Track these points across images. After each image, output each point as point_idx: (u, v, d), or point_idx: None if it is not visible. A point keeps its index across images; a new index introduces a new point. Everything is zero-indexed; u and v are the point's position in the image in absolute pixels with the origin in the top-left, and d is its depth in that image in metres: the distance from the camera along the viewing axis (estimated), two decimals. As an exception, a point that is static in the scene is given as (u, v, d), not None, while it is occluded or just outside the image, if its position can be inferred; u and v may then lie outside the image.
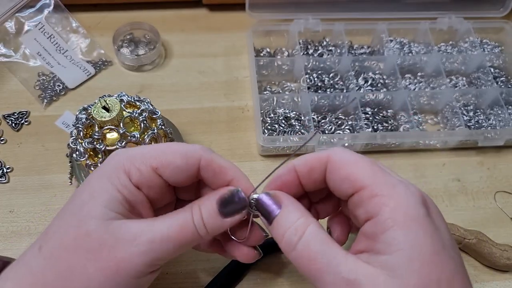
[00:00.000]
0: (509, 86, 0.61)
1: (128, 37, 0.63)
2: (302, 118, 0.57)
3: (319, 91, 0.59)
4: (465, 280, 0.28)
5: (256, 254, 0.36)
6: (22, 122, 0.56)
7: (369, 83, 0.60)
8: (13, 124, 0.55)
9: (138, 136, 0.43)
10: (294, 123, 0.56)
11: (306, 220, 0.30)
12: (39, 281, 0.30)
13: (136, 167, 0.32)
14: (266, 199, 0.32)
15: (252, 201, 0.33)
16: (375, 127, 0.56)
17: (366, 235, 0.29)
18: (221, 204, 0.32)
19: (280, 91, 0.60)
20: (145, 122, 0.44)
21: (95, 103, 0.43)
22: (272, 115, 0.57)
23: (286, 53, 0.63)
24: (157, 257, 0.30)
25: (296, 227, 0.30)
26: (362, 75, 0.61)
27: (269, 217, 0.32)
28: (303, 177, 0.32)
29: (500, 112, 0.58)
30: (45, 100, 0.57)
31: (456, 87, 0.61)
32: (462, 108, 0.59)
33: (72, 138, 0.44)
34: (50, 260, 0.30)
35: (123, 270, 0.29)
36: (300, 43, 0.62)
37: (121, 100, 0.44)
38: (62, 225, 0.31)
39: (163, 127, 0.46)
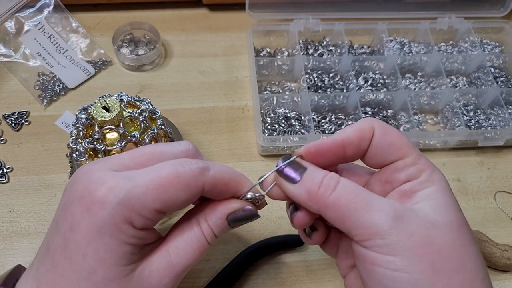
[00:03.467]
0: (509, 86, 0.61)
1: (128, 37, 0.63)
2: (302, 118, 0.57)
3: (319, 91, 0.59)
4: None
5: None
6: (22, 122, 0.56)
7: (369, 83, 0.60)
8: (13, 124, 0.55)
9: (138, 136, 0.43)
10: (294, 123, 0.56)
11: (332, 176, 0.30)
12: None
13: (138, 213, 0.28)
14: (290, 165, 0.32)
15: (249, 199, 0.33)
16: (375, 127, 0.56)
17: (402, 193, 0.31)
18: (233, 220, 0.32)
19: (280, 91, 0.60)
20: (145, 122, 0.44)
21: (95, 103, 0.43)
22: (272, 115, 0.57)
23: (286, 53, 0.63)
24: (179, 278, 0.31)
25: (331, 175, 0.30)
26: (362, 75, 0.61)
27: (297, 175, 0.31)
28: (353, 147, 0.32)
29: (500, 112, 0.58)
30: (45, 100, 0.57)
31: (456, 87, 0.61)
32: (462, 108, 0.59)
33: (72, 138, 0.44)
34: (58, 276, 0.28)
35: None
36: (300, 43, 0.62)
37: (121, 100, 0.44)
38: None
39: (163, 127, 0.46)
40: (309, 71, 0.61)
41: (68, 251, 0.28)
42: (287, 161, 0.32)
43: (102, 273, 0.28)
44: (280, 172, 0.31)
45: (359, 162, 0.34)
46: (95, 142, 0.43)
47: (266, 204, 0.35)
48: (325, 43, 0.64)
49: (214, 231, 0.32)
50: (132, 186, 0.28)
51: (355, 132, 0.32)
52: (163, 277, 0.30)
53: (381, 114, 0.58)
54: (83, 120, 0.43)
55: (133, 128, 0.44)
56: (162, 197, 0.28)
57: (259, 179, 0.33)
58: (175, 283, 0.30)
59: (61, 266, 0.28)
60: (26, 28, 0.59)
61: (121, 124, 0.43)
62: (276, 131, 0.55)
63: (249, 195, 0.33)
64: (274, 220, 0.50)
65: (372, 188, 0.33)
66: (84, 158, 0.44)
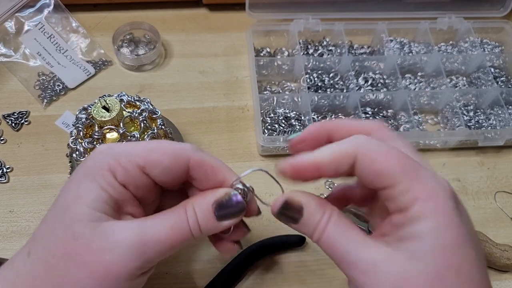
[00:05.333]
0: (509, 86, 0.61)
1: (128, 37, 0.63)
2: (302, 118, 0.57)
3: (319, 91, 0.59)
4: (484, 271, 0.28)
5: (236, 247, 0.36)
6: (22, 122, 0.56)
7: (369, 83, 0.60)
8: (13, 124, 0.55)
9: (138, 136, 0.43)
10: (294, 123, 0.56)
11: (326, 216, 0.30)
12: (28, 287, 0.29)
13: (122, 165, 0.30)
14: (287, 207, 0.31)
15: (238, 190, 0.32)
16: (375, 127, 0.56)
17: (393, 224, 0.29)
18: (218, 207, 0.31)
19: (280, 91, 0.60)
20: (145, 122, 0.44)
21: (95, 103, 0.43)
22: (272, 115, 0.57)
23: (286, 53, 0.63)
24: (148, 259, 0.29)
25: (319, 229, 0.30)
26: (362, 75, 0.61)
27: (294, 221, 0.31)
28: (328, 171, 0.30)
29: (500, 112, 0.58)
30: (45, 100, 0.57)
31: (456, 87, 0.61)
32: (462, 108, 0.59)
33: (72, 138, 0.44)
34: (38, 266, 0.29)
35: (113, 273, 0.28)
36: (300, 43, 0.62)
37: (121, 100, 0.44)
38: (49, 229, 0.30)
39: (163, 127, 0.46)
40: (309, 71, 0.61)
41: (57, 198, 0.31)
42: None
43: (74, 210, 0.29)
44: (279, 216, 0.32)
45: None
46: (95, 142, 0.43)
47: (260, 212, 0.34)
48: (325, 43, 0.64)
49: (199, 219, 0.31)
50: (125, 144, 0.32)
51: (332, 156, 0.29)
52: (128, 238, 0.29)
53: (381, 114, 0.58)
54: (83, 120, 0.43)
55: (133, 128, 0.44)
56: (147, 156, 0.31)
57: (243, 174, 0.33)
58: (139, 250, 0.29)
59: (49, 211, 0.31)
60: (26, 28, 0.59)
61: (121, 124, 0.43)
62: (276, 131, 0.55)
63: (239, 186, 0.32)
64: (274, 220, 0.50)
65: (373, 211, 0.32)
66: (84, 158, 0.44)
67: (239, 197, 0.32)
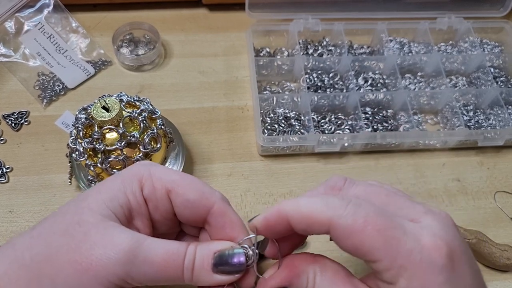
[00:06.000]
0: (509, 86, 0.61)
1: (127, 37, 0.63)
2: (302, 118, 0.57)
3: (319, 91, 0.59)
4: None
5: None
6: (22, 122, 0.56)
7: (369, 83, 0.60)
8: (13, 124, 0.55)
9: (138, 136, 0.43)
10: (294, 123, 0.56)
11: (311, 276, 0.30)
12: (18, 259, 0.29)
13: (152, 182, 0.31)
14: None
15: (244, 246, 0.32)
16: (375, 127, 0.56)
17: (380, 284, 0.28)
18: (219, 257, 0.30)
19: (280, 91, 0.60)
20: (144, 122, 0.44)
21: (94, 103, 0.43)
22: (272, 115, 0.57)
23: (286, 53, 0.63)
24: (131, 275, 0.28)
25: None
26: (362, 75, 0.61)
27: None
28: (298, 229, 0.29)
29: (500, 112, 0.58)
30: (45, 100, 0.57)
31: (456, 87, 0.61)
32: (462, 108, 0.59)
33: (72, 138, 0.44)
34: (35, 240, 0.30)
35: (93, 271, 0.28)
36: (300, 43, 0.62)
37: (121, 100, 0.44)
38: (62, 210, 0.31)
39: (162, 127, 0.46)
40: (308, 71, 0.61)
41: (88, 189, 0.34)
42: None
43: (90, 200, 0.31)
44: None
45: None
46: (94, 142, 0.43)
47: (259, 278, 0.32)
48: (325, 43, 0.64)
49: (196, 261, 0.30)
50: (164, 167, 0.34)
51: (303, 215, 0.28)
52: (123, 244, 0.28)
53: (380, 114, 0.58)
54: (82, 120, 0.43)
55: (132, 128, 0.44)
56: (177, 183, 0.32)
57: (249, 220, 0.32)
58: (127, 260, 0.28)
59: (71, 200, 0.32)
60: (26, 28, 0.59)
61: (120, 124, 0.43)
62: (276, 131, 0.55)
63: (245, 245, 0.32)
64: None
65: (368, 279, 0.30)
66: (83, 158, 0.44)
67: (242, 258, 0.31)
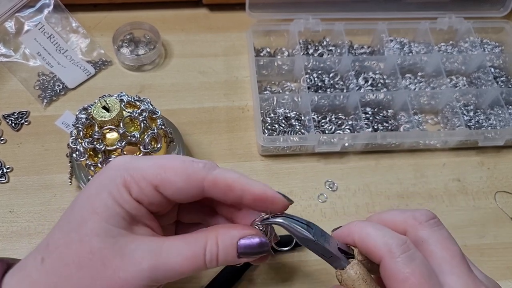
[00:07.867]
0: (510, 86, 0.61)
1: (128, 37, 0.63)
2: (302, 118, 0.57)
3: (319, 91, 0.59)
4: None
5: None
6: (22, 122, 0.56)
7: (369, 83, 0.60)
8: (13, 124, 0.55)
9: (138, 136, 0.43)
10: (294, 123, 0.56)
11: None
12: None
13: (136, 182, 0.30)
14: None
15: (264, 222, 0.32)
16: (375, 127, 0.56)
17: None
18: (243, 245, 0.31)
19: (280, 91, 0.60)
20: (145, 122, 0.44)
21: (95, 103, 0.43)
22: (272, 115, 0.57)
23: (286, 53, 0.63)
24: (158, 281, 0.30)
25: None
26: (362, 75, 0.61)
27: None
28: (362, 251, 0.31)
29: (500, 112, 0.58)
30: (45, 100, 0.57)
31: (456, 87, 0.61)
32: (462, 108, 0.59)
33: (72, 138, 0.44)
34: (53, 276, 0.29)
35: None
36: (300, 43, 0.62)
37: (121, 100, 0.44)
38: (64, 239, 0.30)
39: (163, 127, 0.46)
40: (309, 71, 0.61)
41: (71, 207, 0.31)
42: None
43: (91, 225, 0.29)
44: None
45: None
46: (95, 142, 0.43)
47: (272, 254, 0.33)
48: (325, 43, 0.64)
49: (220, 253, 0.30)
50: (139, 159, 0.32)
51: (337, 238, 0.31)
52: (143, 258, 0.29)
53: (381, 114, 0.58)
54: (83, 120, 0.43)
55: (133, 128, 0.44)
56: (161, 176, 0.30)
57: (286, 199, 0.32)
58: (151, 273, 0.29)
59: (63, 218, 0.31)
60: (26, 28, 0.59)
61: (121, 124, 0.43)
62: (276, 131, 0.55)
63: (260, 222, 0.32)
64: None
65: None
66: (84, 158, 0.44)
67: (265, 240, 0.31)
